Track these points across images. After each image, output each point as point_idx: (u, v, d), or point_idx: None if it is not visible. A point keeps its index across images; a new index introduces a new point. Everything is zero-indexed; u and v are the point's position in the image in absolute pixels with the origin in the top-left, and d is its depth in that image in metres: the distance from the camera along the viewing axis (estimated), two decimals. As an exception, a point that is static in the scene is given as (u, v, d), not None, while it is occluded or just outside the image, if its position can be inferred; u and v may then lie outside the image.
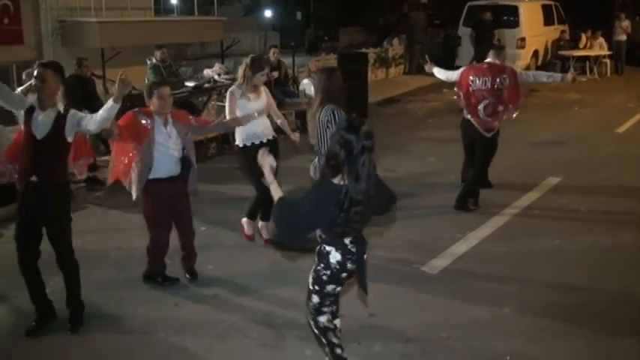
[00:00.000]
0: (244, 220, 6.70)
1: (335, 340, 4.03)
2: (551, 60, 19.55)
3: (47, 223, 4.81)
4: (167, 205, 5.51)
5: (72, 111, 4.77)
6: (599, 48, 19.54)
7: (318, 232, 3.78)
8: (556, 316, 5.12)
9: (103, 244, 6.49)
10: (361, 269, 3.91)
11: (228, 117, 6.15)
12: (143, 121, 5.32)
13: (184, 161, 5.57)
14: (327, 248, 3.80)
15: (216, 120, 6.04)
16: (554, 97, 15.58)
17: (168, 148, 5.40)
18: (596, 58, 19.48)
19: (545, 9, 19.80)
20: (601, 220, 7.27)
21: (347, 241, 3.79)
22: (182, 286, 5.67)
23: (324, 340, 4.05)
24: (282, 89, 11.80)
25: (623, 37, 19.63)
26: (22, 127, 4.78)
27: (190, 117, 5.73)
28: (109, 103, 4.67)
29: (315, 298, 3.97)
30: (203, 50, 22.57)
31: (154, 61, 10.41)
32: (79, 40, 11.82)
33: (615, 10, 22.10)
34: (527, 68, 18.53)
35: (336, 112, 5.22)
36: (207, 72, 10.50)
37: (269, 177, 3.87)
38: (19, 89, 7.64)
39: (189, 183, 5.68)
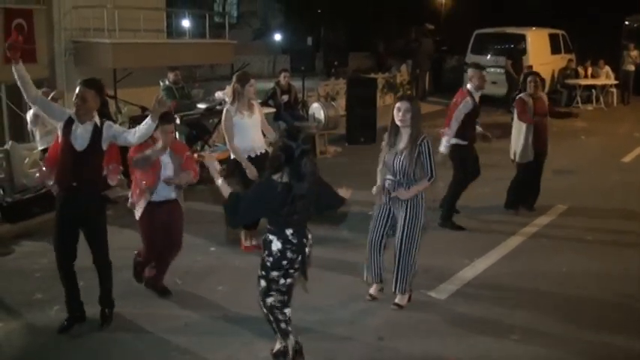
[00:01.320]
0: (243, 232, 6.96)
1: (280, 317, 4.52)
2: (558, 89, 19.67)
3: (85, 226, 5.16)
4: (161, 226, 5.70)
5: (107, 122, 5.11)
6: (606, 77, 19.66)
7: (267, 225, 4.39)
8: (564, 344, 5.14)
9: (113, 263, 6.49)
10: (302, 258, 4.45)
11: (225, 134, 6.59)
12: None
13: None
14: (270, 237, 4.37)
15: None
16: (561, 125, 15.64)
17: (165, 175, 5.62)
18: (603, 87, 19.58)
19: (552, 38, 19.96)
20: (608, 248, 7.30)
21: (288, 232, 4.33)
22: (192, 307, 5.70)
23: (271, 317, 4.54)
24: (292, 113, 11.91)
25: (632, 68, 19.73)
26: (60, 137, 5.07)
27: (186, 154, 5.86)
28: (148, 121, 5.04)
29: (263, 283, 4.47)
30: (213, 72, 22.81)
31: (167, 82, 10.53)
32: (91, 60, 12.00)
33: (622, 39, 22.26)
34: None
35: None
36: (218, 94, 10.60)
37: (215, 177, 4.45)
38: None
39: None
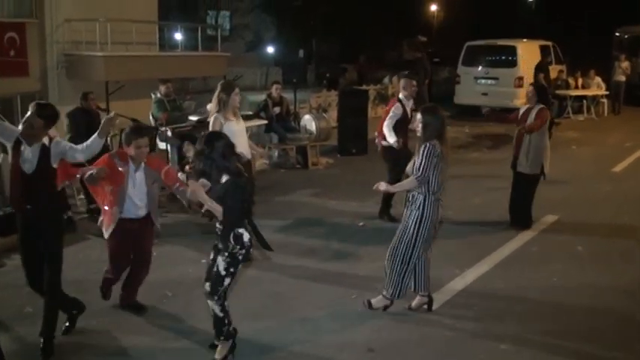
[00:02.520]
0: None
1: (230, 320, 4.89)
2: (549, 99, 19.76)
3: (43, 248, 5.04)
4: (130, 242, 5.64)
5: (55, 140, 5.00)
6: (597, 87, 19.77)
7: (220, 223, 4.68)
8: (553, 354, 5.16)
9: (97, 277, 6.45)
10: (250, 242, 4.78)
11: None
12: (120, 168, 5.46)
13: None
14: (239, 231, 4.64)
15: (180, 186, 5.72)
16: (552, 136, 15.71)
17: (133, 194, 5.52)
18: (594, 97, 19.70)
19: (543, 49, 20.08)
20: (598, 258, 7.33)
21: (245, 223, 4.71)
22: (182, 319, 5.70)
23: (226, 322, 4.84)
24: (284, 124, 11.95)
25: (622, 78, 19.86)
26: (10, 156, 4.98)
27: (165, 166, 5.84)
28: (95, 137, 5.01)
29: (227, 281, 4.73)
30: (205, 84, 22.83)
31: (159, 95, 10.55)
32: (84, 73, 12.02)
33: (613, 50, 22.42)
34: (525, 107, 18.80)
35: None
36: (210, 106, 10.61)
37: (206, 201, 4.58)
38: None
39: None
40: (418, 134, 5.51)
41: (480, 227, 8.29)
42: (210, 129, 6.55)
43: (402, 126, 8.22)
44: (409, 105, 8.41)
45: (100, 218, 5.68)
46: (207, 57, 15.37)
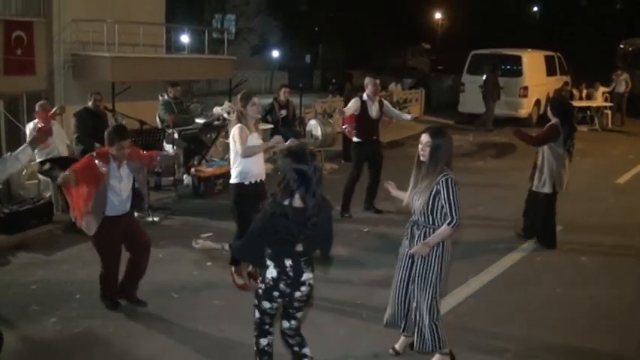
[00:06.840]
0: (232, 269, 6.51)
1: None
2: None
3: None
4: (118, 237, 5.73)
5: None
6: (600, 99, 19.78)
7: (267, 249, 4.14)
8: (557, 363, 5.19)
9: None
10: (296, 297, 4.22)
11: (240, 148, 6.06)
12: (101, 168, 5.52)
13: (135, 193, 5.85)
14: (268, 262, 4.13)
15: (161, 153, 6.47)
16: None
17: (120, 190, 5.63)
18: (597, 108, 19.71)
19: (548, 60, 20.13)
20: (601, 270, 7.34)
21: (287, 263, 4.10)
22: (188, 320, 5.70)
23: (258, 359, 4.43)
24: (289, 129, 11.95)
25: (622, 89, 19.89)
26: None
27: (141, 153, 6.05)
28: (27, 148, 4.83)
29: (257, 314, 4.30)
30: (210, 87, 22.89)
31: (166, 97, 10.58)
32: (90, 73, 12.04)
33: (617, 62, 22.45)
34: (529, 117, 18.81)
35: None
36: (216, 110, 10.65)
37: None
38: (33, 123, 7.81)
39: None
40: (423, 159, 4.75)
41: (485, 236, 8.29)
42: (237, 139, 6.08)
43: (363, 122, 8.88)
44: (373, 104, 8.90)
45: (77, 222, 5.68)
46: (213, 60, 15.40)
